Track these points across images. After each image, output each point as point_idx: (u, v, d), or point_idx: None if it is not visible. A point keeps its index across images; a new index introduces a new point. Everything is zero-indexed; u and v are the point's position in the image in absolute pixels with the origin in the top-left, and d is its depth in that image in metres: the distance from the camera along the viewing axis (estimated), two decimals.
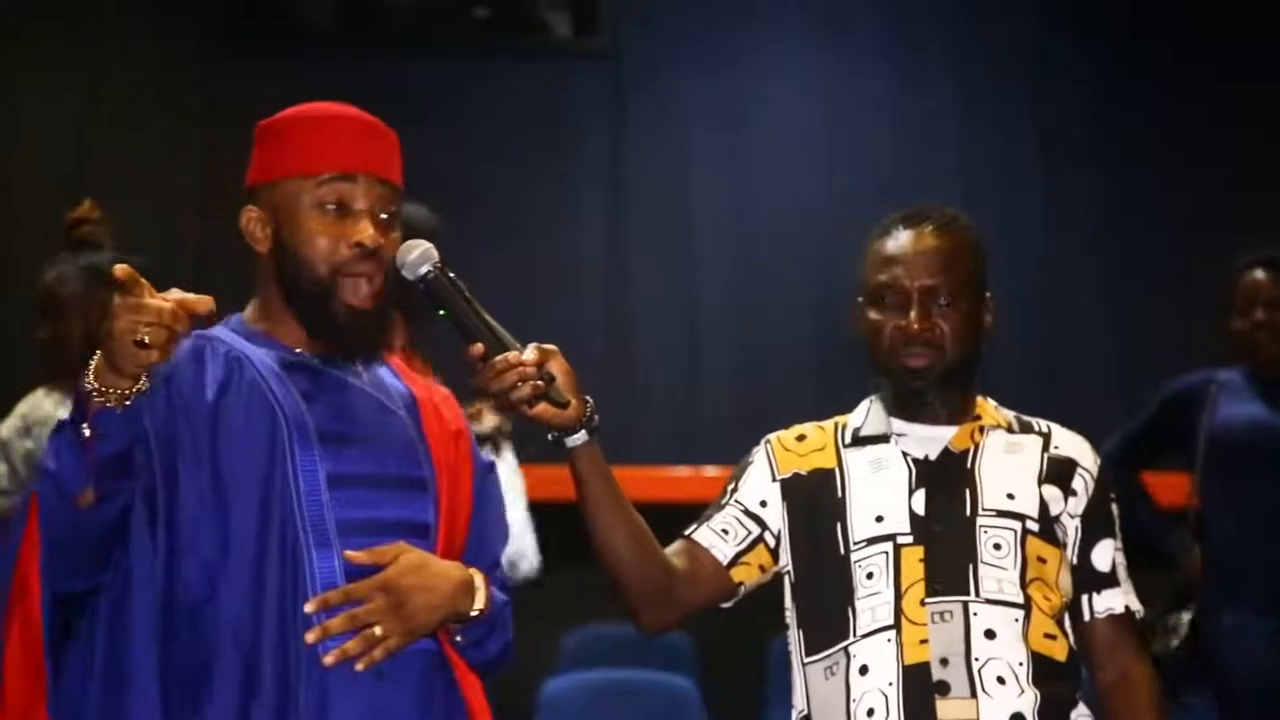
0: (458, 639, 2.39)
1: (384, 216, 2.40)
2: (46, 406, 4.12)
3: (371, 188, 2.38)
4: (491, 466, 2.56)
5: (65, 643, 2.29)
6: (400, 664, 2.31)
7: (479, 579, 2.37)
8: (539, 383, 2.37)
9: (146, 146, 7.35)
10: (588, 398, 2.44)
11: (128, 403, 2.16)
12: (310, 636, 2.26)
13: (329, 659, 2.25)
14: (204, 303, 2.20)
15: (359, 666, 2.26)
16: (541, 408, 2.39)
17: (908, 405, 2.69)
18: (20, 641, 2.25)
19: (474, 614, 2.36)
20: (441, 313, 2.39)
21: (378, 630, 2.27)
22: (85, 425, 2.17)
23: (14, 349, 5.67)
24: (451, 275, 2.40)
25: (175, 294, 2.18)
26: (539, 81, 7.83)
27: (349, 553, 2.29)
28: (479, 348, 2.36)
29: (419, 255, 2.39)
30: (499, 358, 2.36)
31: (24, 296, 6.93)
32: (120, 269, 2.13)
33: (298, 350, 2.41)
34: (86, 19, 7.40)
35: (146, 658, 2.26)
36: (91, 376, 2.15)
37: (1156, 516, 4.81)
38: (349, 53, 7.50)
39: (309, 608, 2.26)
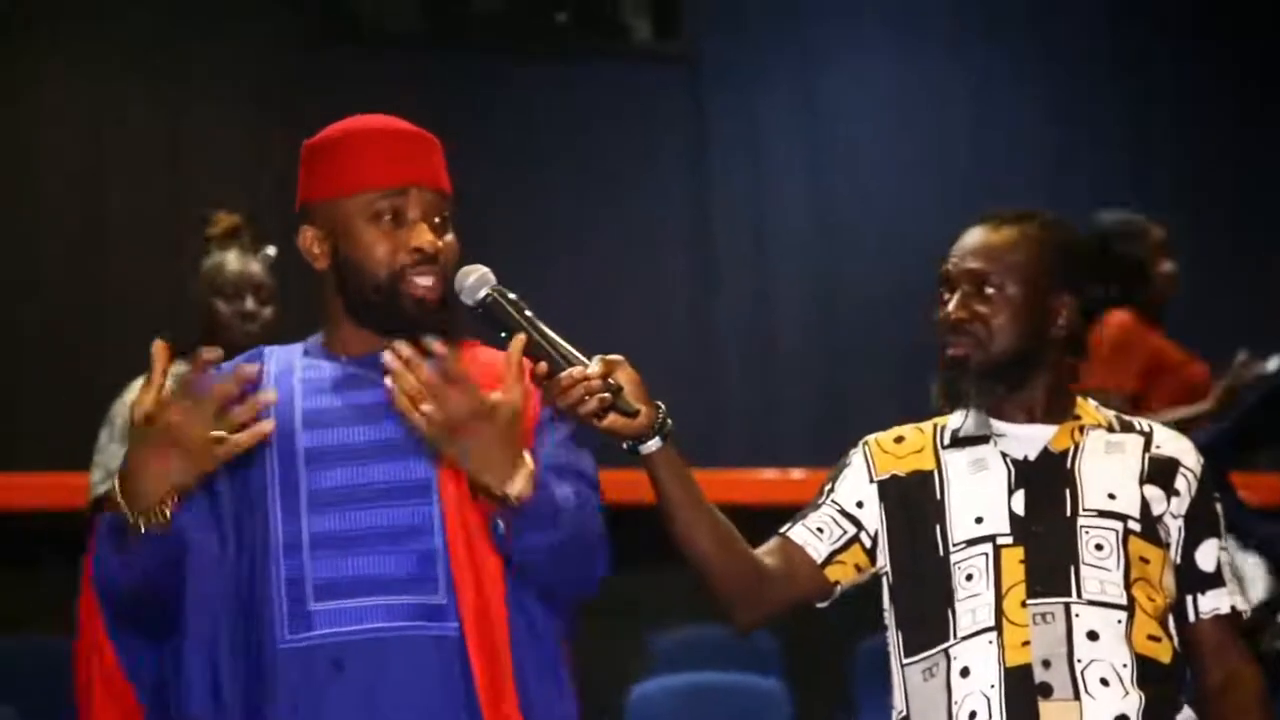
0: (497, 521, 2.31)
1: (437, 221, 2.46)
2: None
3: (423, 197, 2.45)
4: (557, 412, 2.42)
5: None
6: (393, 654, 2.30)
7: (528, 468, 2.27)
8: (605, 395, 2.36)
9: (232, 148, 7.42)
10: (659, 403, 2.43)
11: (160, 526, 2.25)
12: (389, 354, 2.22)
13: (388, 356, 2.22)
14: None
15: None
16: (611, 419, 2.38)
17: (945, 397, 2.67)
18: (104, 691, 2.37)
19: (499, 495, 2.27)
20: (504, 335, 2.39)
21: (426, 406, 2.21)
22: (128, 546, 2.25)
23: (113, 337, 5.72)
24: (511, 296, 2.40)
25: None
26: (620, 85, 7.85)
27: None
28: (543, 367, 2.36)
29: (476, 280, 2.41)
30: (563, 374, 2.35)
31: (116, 286, 7.06)
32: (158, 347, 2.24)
33: (344, 359, 2.47)
34: (173, 22, 7.47)
35: None
36: (125, 498, 2.24)
37: (1242, 508, 4.78)
38: (431, 56, 7.55)
39: (401, 350, 2.23)
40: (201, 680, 2.31)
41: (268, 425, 2.25)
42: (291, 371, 2.45)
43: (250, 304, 4.23)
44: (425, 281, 2.42)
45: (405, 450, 2.37)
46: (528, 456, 2.30)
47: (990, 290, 2.62)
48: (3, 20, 7.32)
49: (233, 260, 4.27)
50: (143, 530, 2.23)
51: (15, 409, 7.03)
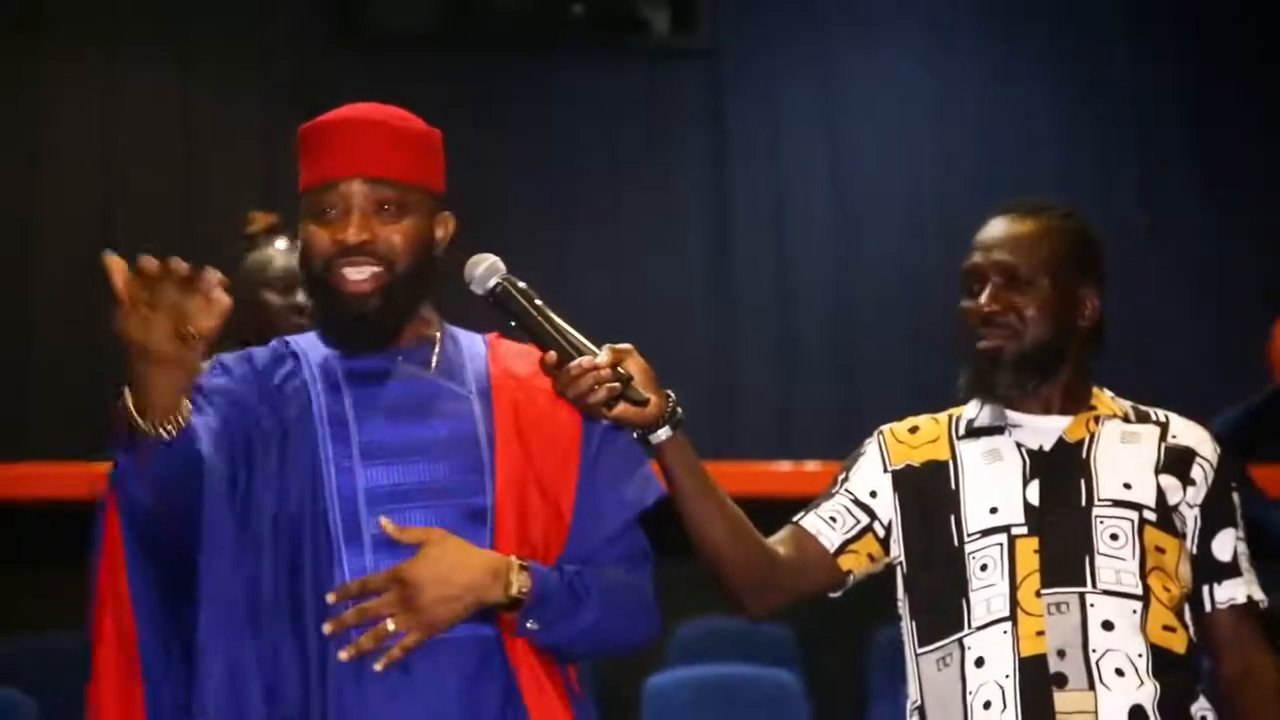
0: (528, 624, 2.33)
1: (387, 209, 2.42)
2: None
3: (362, 187, 2.42)
4: (612, 428, 2.46)
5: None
6: (436, 657, 2.30)
7: (514, 563, 2.31)
8: (614, 384, 2.36)
9: (246, 149, 7.42)
10: (669, 392, 2.43)
11: (173, 431, 2.21)
12: (328, 628, 2.27)
13: (344, 654, 2.26)
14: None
15: (376, 666, 2.26)
16: (621, 408, 2.38)
17: (978, 389, 2.66)
18: (115, 644, 2.31)
19: (507, 601, 2.29)
20: (513, 324, 2.40)
21: (390, 625, 2.27)
22: (136, 454, 2.22)
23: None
24: (521, 285, 2.41)
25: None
26: (638, 79, 7.85)
27: (384, 520, 2.30)
28: (551, 356, 2.36)
29: (485, 269, 2.41)
30: (572, 363, 2.35)
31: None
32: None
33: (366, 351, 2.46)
34: (185, 23, 7.48)
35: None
36: (133, 409, 2.20)
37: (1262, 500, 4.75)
38: (448, 52, 7.54)
39: (331, 599, 2.28)
40: (220, 680, 2.29)
41: (224, 299, 2.18)
42: (326, 361, 2.45)
43: (301, 296, 4.21)
44: (354, 272, 2.40)
45: (457, 445, 2.38)
46: (512, 558, 2.31)
47: (1023, 282, 2.63)
48: (8, 22, 7.33)
49: (281, 254, 4.25)
50: (157, 435, 2.20)
51: (25, 399, 7.05)
